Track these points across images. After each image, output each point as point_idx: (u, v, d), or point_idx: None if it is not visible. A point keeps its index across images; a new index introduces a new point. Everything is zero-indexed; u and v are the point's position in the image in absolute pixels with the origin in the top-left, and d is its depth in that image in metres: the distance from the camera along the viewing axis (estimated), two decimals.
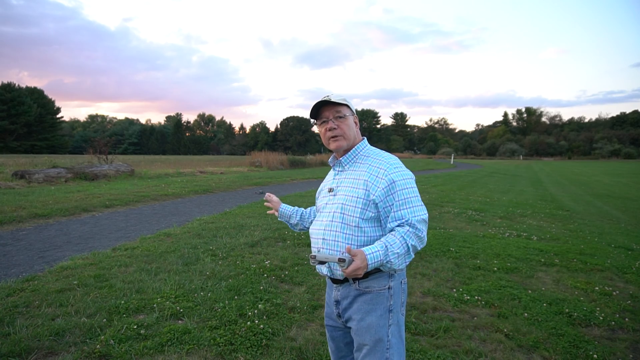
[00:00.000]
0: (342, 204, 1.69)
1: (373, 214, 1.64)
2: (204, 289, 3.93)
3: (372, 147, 1.81)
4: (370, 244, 1.62)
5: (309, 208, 2.11)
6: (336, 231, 1.68)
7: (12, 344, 2.78)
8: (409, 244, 1.55)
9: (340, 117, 1.73)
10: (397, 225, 1.59)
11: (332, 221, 1.70)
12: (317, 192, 1.97)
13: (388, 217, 1.62)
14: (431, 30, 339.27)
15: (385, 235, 1.61)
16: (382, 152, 1.77)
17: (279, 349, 2.87)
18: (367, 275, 1.65)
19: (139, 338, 2.96)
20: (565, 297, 3.97)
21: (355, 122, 1.79)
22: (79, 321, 3.16)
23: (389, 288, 1.68)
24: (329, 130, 1.73)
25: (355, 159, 1.77)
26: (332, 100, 1.71)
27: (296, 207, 2.08)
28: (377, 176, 1.65)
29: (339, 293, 1.74)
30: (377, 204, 1.62)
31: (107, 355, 2.73)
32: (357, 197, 1.65)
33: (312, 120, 1.82)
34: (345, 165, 1.78)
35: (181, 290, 3.87)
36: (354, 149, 1.77)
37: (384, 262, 1.52)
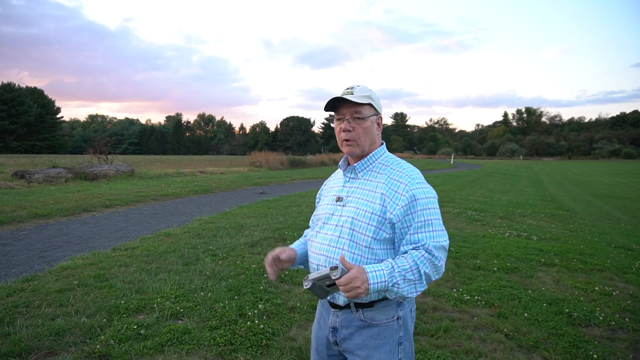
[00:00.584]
0: (353, 218, 1.45)
1: (388, 235, 1.42)
2: (204, 289, 3.93)
3: (390, 154, 1.58)
4: None
5: (307, 232, 1.75)
6: (343, 249, 1.44)
7: (12, 344, 2.78)
8: (422, 271, 1.33)
9: (359, 119, 1.48)
10: (412, 249, 1.38)
11: (339, 237, 1.46)
12: (317, 196, 1.74)
13: (403, 239, 1.41)
14: (431, 30, 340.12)
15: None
16: (403, 162, 1.54)
17: (279, 349, 2.87)
18: (373, 303, 1.44)
19: (139, 338, 2.96)
20: (565, 297, 3.97)
21: (377, 124, 1.55)
22: (79, 321, 3.16)
23: (397, 319, 1.47)
24: (344, 131, 1.50)
25: (371, 166, 1.53)
26: (353, 99, 1.46)
27: (302, 240, 1.73)
28: (396, 191, 1.42)
29: (337, 320, 1.51)
30: (394, 223, 1.40)
31: (107, 355, 2.73)
32: (372, 213, 1.42)
33: (328, 113, 1.58)
34: (359, 172, 1.54)
35: (181, 290, 3.88)
36: (371, 154, 1.53)
37: (389, 284, 1.30)
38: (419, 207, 1.40)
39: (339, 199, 1.54)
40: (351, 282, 1.27)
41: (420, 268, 1.33)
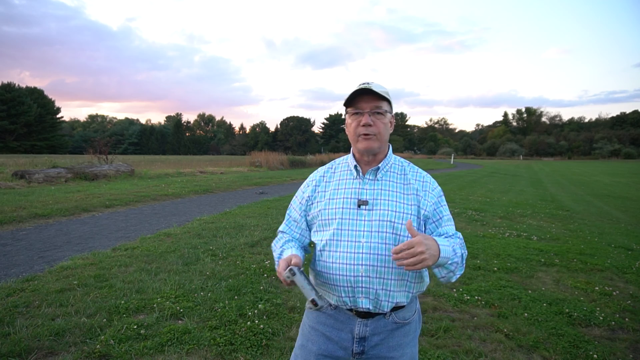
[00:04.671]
0: (392, 221, 1.38)
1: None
2: (204, 289, 3.93)
3: (393, 154, 1.56)
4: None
5: (285, 237, 1.58)
6: (386, 255, 1.37)
7: (12, 344, 2.78)
8: (462, 254, 1.38)
9: (379, 114, 1.42)
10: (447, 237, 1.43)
11: (379, 243, 1.37)
12: (307, 198, 1.55)
13: (432, 233, 1.44)
14: (434, 30, 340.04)
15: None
16: (409, 161, 1.57)
17: (279, 349, 2.87)
18: (403, 304, 1.45)
19: (139, 338, 2.96)
20: (565, 297, 3.97)
21: (391, 122, 1.48)
22: (79, 321, 3.16)
23: (416, 312, 1.52)
24: (363, 125, 1.40)
25: (388, 167, 1.49)
26: (377, 90, 1.39)
27: (289, 246, 1.51)
28: (424, 190, 1.46)
29: (367, 329, 1.43)
30: (427, 219, 1.44)
31: (107, 355, 2.73)
32: (410, 214, 1.41)
33: (347, 109, 1.47)
34: (378, 173, 1.47)
35: (181, 290, 3.88)
36: (387, 155, 1.50)
37: (449, 261, 1.30)
38: (443, 202, 1.48)
39: (364, 203, 1.42)
40: (414, 247, 1.19)
41: (461, 252, 1.38)
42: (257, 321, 3.23)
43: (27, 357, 2.68)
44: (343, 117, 1.54)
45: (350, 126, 1.46)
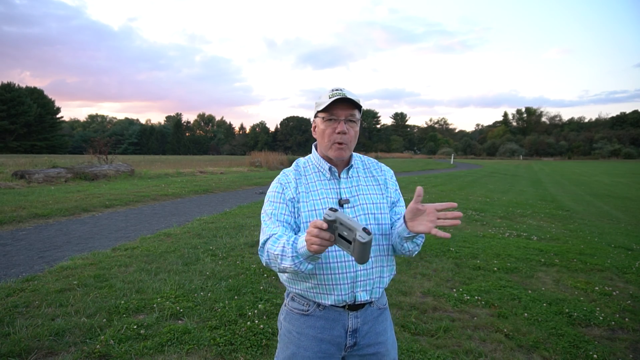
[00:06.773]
0: (373, 213, 1.49)
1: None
2: (204, 289, 3.93)
3: None
4: (391, 253, 1.56)
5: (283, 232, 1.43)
6: (379, 244, 1.49)
7: (12, 344, 2.78)
8: None
9: (352, 122, 1.47)
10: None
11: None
12: (289, 204, 1.48)
13: (397, 213, 1.59)
14: (435, 30, 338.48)
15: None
16: (361, 154, 1.69)
17: None
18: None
19: (139, 338, 2.96)
20: (565, 297, 3.97)
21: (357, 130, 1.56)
22: (79, 321, 3.16)
23: (386, 300, 1.66)
24: (338, 133, 1.44)
25: (355, 164, 1.59)
26: (352, 98, 1.43)
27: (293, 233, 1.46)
28: (385, 178, 1.61)
29: (359, 320, 1.49)
30: (394, 203, 1.58)
31: (107, 355, 2.73)
32: (383, 203, 1.54)
33: (319, 113, 1.48)
34: (349, 171, 1.56)
35: (181, 290, 3.88)
36: (353, 155, 1.60)
37: (422, 236, 1.46)
38: (397, 184, 1.66)
39: (345, 202, 1.47)
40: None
41: None
42: (257, 321, 3.23)
43: (27, 357, 2.68)
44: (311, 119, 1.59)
45: (324, 132, 1.47)
